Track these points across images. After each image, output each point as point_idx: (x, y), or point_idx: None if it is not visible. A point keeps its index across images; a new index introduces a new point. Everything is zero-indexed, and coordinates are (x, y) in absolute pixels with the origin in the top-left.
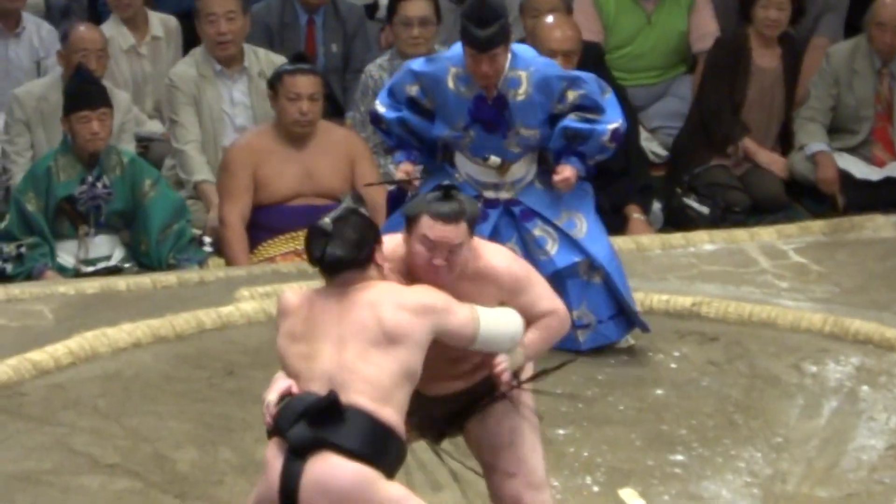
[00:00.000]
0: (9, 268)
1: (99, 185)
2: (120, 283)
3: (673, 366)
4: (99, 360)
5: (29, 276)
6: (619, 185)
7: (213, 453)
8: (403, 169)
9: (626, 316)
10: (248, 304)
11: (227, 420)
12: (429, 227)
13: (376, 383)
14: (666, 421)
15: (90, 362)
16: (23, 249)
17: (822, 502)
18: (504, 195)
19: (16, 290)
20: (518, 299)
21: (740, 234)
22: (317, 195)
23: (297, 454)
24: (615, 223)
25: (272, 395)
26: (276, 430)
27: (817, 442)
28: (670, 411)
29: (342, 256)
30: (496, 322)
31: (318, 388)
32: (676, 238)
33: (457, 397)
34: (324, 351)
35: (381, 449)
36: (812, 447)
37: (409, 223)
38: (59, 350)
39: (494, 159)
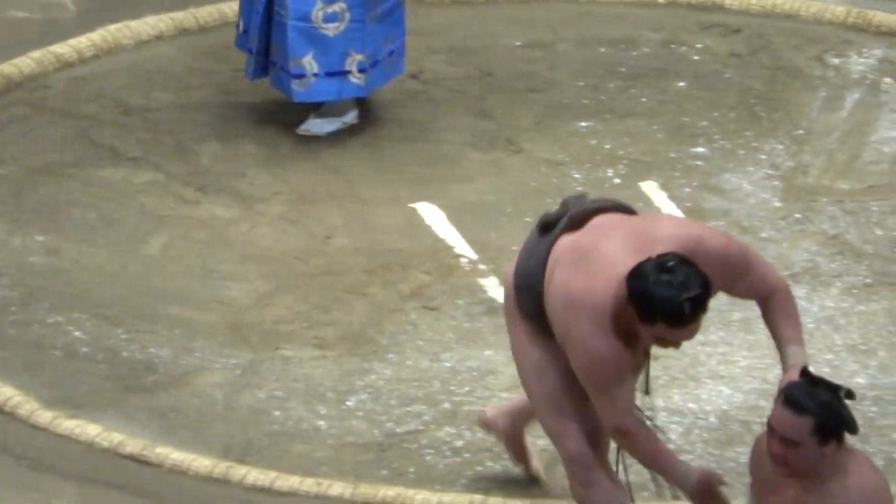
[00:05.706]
0: None
1: None
2: None
3: (695, 58)
4: (122, 52)
5: None
6: None
7: (235, 146)
8: None
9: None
10: None
11: (250, 112)
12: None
13: None
14: (688, 113)
15: (113, 55)
16: None
17: (843, 194)
18: None
19: None
20: (744, 281)
21: None
22: None
23: None
24: None
25: None
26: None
27: (839, 134)
28: (692, 103)
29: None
30: None
31: None
32: None
33: None
34: None
35: None
36: (833, 139)
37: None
38: (81, 42)
39: None
